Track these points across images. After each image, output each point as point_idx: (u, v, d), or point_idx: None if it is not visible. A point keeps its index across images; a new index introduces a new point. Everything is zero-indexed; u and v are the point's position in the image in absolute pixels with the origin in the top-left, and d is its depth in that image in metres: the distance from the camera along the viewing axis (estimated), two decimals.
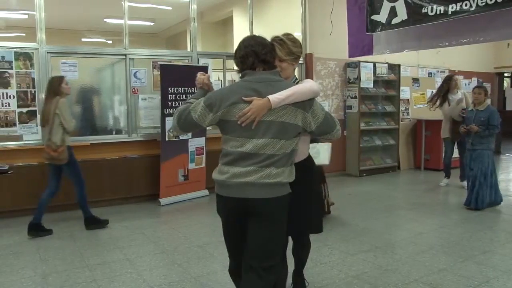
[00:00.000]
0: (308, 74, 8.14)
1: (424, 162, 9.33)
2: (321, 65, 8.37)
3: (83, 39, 11.26)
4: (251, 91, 2.33)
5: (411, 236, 4.93)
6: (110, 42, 11.03)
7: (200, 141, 6.75)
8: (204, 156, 6.82)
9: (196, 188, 6.79)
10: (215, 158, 2.52)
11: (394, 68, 9.24)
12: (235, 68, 2.53)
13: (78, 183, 5.12)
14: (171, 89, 6.29)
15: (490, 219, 5.62)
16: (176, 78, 6.34)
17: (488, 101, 6.35)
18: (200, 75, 2.67)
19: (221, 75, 7.39)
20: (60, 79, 4.99)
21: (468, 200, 6.05)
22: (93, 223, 5.21)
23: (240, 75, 2.48)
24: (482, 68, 11.82)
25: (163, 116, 6.26)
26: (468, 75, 11.41)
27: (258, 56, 2.39)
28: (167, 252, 4.42)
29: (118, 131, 6.76)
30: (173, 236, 4.95)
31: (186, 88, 6.43)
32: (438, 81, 10.32)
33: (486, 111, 6.01)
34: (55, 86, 4.90)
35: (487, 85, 12.00)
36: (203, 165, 6.83)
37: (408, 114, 9.63)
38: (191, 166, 6.69)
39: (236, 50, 2.46)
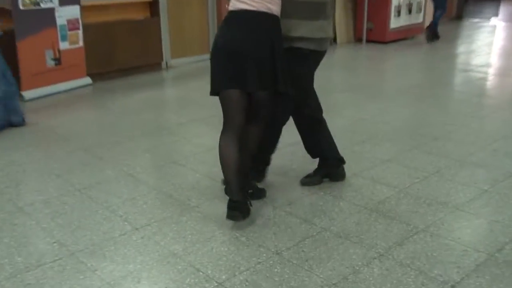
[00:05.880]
0: None
1: (366, 32, 9.55)
2: None
3: None
4: None
5: (350, 123, 5.19)
6: None
7: (73, 11, 6.38)
8: (80, 31, 6.50)
9: (73, 76, 6.58)
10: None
11: None
12: None
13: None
14: None
15: (444, 99, 6.03)
16: None
17: None
18: None
19: None
20: None
21: None
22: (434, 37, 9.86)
23: None
24: None
25: None
26: None
27: None
28: (40, 161, 4.31)
29: None
30: (47, 139, 4.83)
31: None
32: None
33: None
34: None
35: None
36: (81, 44, 6.54)
37: None
38: (64, 45, 6.39)
39: None
